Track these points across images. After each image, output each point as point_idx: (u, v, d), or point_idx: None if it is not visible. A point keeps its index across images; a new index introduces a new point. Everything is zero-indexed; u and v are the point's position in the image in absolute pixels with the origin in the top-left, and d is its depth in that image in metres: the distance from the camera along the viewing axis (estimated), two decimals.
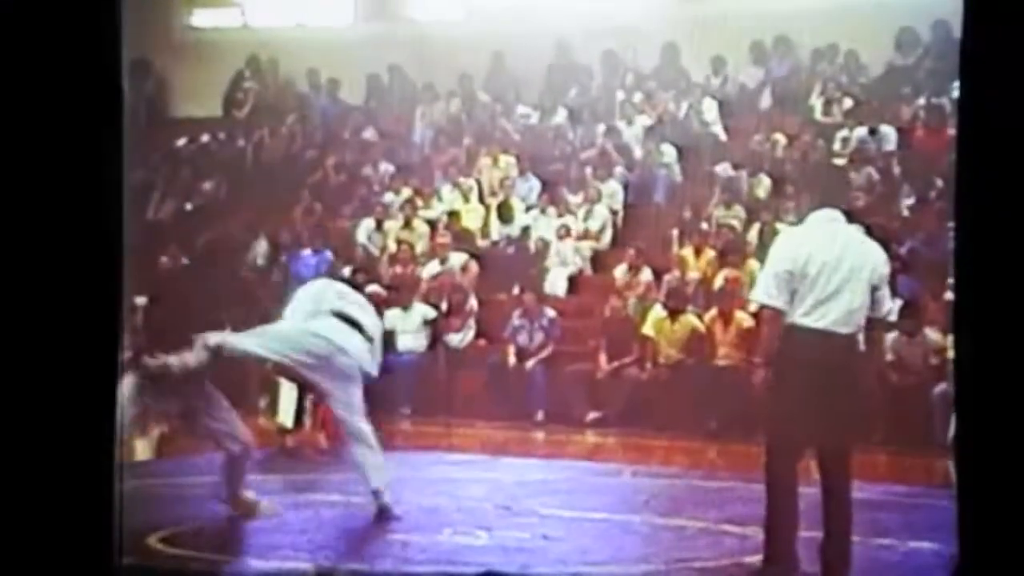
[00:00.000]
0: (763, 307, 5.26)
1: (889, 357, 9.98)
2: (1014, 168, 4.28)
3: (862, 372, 5.33)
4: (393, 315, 10.89)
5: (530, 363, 11.16)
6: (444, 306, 11.66)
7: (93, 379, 4.38)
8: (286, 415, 8.65)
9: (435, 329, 11.55)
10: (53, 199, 4.37)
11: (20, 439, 4.34)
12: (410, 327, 11.43)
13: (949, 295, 10.14)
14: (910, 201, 11.68)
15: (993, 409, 4.33)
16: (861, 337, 5.22)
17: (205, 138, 15.11)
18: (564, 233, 12.34)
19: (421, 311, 11.55)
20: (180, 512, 6.29)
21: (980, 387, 4.35)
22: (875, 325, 5.33)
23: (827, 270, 5.12)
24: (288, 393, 8.67)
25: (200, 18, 15.74)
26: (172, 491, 6.77)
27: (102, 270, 4.39)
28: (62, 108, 4.38)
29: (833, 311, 5.11)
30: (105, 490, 4.42)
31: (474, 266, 12.14)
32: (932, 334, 10.01)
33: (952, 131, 12.00)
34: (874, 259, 5.25)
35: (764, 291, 5.21)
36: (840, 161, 12.42)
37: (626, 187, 12.89)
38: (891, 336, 10.06)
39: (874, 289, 5.20)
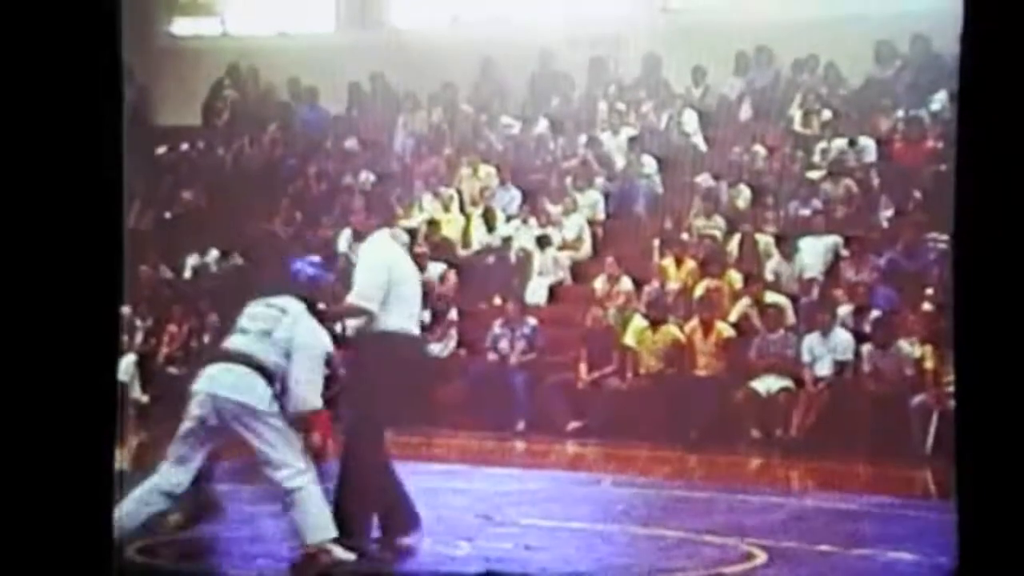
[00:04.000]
0: (356, 307, 5.82)
1: (866, 368, 10.05)
2: (1012, 177, 4.30)
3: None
4: None
5: (511, 373, 11.16)
6: (426, 316, 11.64)
7: (91, 386, 4.33)
8: None
9: None
10: (53, 202, 4.32)
11: (16, 446, 4.28)
12: None
13: (927, 306, 10.21)
14: (888, 213, 11.75)
15: (993, 419, 4.35)
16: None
17: (185, 146, 15.05)
18: (542, 243, 12.36)
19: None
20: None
21: (980, 397, 4.37)
22: None
23: (410, 281, 5.93)
24: None
25: (181, 26, 15.70)
26: None
27: (102, 275, 4.33)
28: (63, 111, 4.33)
29: (415, 317, 5.95)
30: (103, 500, 4.35)
31: (452, 276, 12.14)
32: (909, 345, 10.05)
33: (931, 143, 12.13)
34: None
35: (362, 295, 5.79)
36: (818, 172, 12.49)
37: (607, 197, 12.92)
38: (867, 347, 10.12)
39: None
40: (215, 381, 5.60)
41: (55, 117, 4.22)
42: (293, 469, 5.53)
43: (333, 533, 5.56)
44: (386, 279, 5.79)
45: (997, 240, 4.19)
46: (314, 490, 5.59)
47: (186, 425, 5.60)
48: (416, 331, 5.94)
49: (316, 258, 6.16)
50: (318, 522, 5.55)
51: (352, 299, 5.82)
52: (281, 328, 5.66)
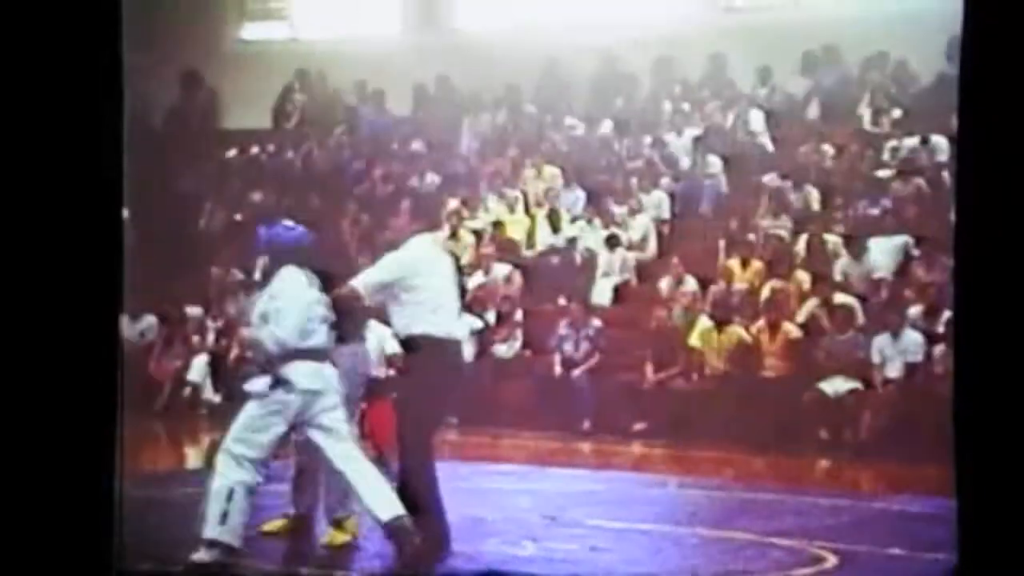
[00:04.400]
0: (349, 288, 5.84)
1: (938, 370, 9.79)
2: (1012, 177, 4.25)
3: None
4: None
5: (576, 373, 11.16)
6: (491, 316, 11.70)
7: (93, 382, 4.35)
8: None
9: (482, 339, 11.58)
10: (54, 201, 4.36)
11: (21, 448, 4.32)
12: None
13: None
14: None
15: (993, 419, 4.31)
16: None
17: (255, 149, 15.28)
18: (611, 244, 12.35)
19: (469, 322, 11.57)
20: None
21: (979, 398, 4.34)
22: None
23: (434, 285, 5.83)
24: None
25: (250, 31, 15.95)
26: None
27: (102, 274, 4.36)
28: (63, 110, 4.37)
29: (450, 319, 5.88)
30: (105, 500, 4.39)
31: (518, 277, 12.17)
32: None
33: None
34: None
35: (360, 279, 5.86)
36: (888, 172, 12.31)
37: (672, 197, 12.87)
38: (939, 349, 9.90)
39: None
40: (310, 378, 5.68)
41: (56, 117, 4.26)
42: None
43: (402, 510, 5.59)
44: (398, 275, 5.81)
45: (996, 241, 4.15)
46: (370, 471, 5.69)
47: (280, 426, 5.64)
48: (447, 334, 5.88)
49: (290, 223, 6.13)
50: (383, 497, 5.61)
51: (352, 281, 5.87)
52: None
